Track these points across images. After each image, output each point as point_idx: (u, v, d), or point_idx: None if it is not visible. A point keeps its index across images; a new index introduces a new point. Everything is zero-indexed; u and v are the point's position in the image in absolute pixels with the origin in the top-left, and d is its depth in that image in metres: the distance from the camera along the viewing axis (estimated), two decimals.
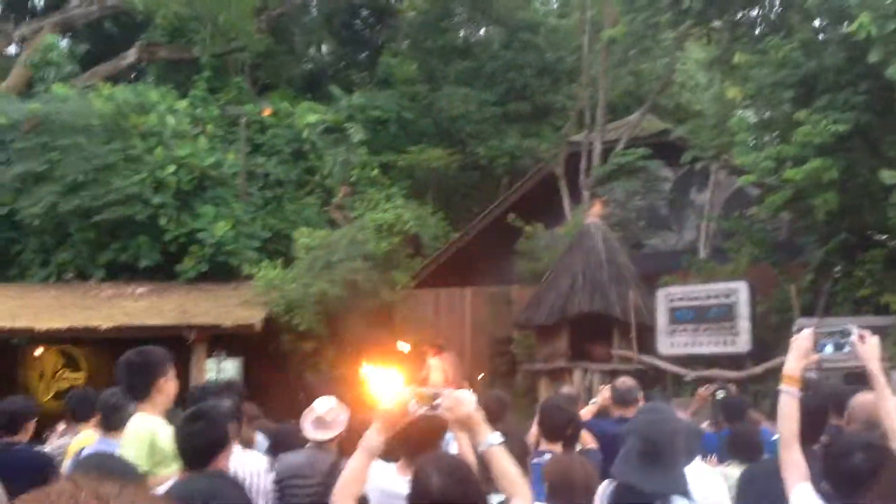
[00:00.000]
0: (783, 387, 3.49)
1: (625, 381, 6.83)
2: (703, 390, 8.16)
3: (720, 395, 7.34)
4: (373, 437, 3.32)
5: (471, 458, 4.68)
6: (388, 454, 4.64)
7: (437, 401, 3.30)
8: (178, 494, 3.20)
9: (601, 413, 6.97)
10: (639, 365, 14.32)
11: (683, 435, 4.14)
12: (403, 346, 14.72)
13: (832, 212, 11.91)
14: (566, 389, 7.66)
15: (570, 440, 5.70)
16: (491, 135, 22.04)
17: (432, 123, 22.57)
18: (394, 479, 4.38)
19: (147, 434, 4.44)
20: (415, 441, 4.46)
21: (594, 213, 15.92)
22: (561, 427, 5.60)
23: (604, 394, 7.02)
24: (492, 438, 3.19)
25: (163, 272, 18.27)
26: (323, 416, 5.50)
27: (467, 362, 16.84)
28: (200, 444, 3.81)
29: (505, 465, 3.16)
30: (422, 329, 17.50)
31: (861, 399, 4.46)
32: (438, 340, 15.23)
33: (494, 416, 6.56)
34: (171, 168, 18.14)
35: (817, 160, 10.86)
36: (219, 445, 3.84)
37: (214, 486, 3.16)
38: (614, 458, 4.25)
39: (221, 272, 18.08)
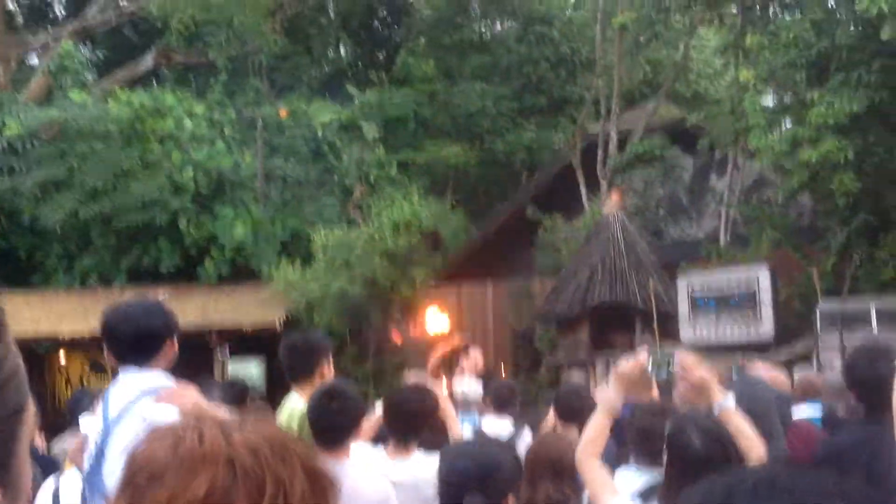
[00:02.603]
0: None
1: None
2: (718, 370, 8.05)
3: (734, 374, 7.22)
4: (611, 399, 3.40)
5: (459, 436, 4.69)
6: (378, 439, 4.65)
7: (673, 364, 3.38)
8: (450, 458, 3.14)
9: None
10: None
11: (778, 403, 4.08)
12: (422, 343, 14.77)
13: (852, 194, 11.76)
14: (576, 375, 7.61)
15: (585, 423, 5.70)
16: (508, 129, 21.98)
17: (450, 120, 22.52)
18: (386, 464, 4.37)
19: (299, 415, 4.36)
20: (407, 422, 4.46)
21: (612, 203, 15.82)
22: (576, 410, 5.60)
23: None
24: (726, 401, 3.24)
25: (184, 276, 18.36)
26: None
27: (490, 356, 16.82)
28: (338, 422, 3.78)
29: (740, 425, 3.20)
30: (444, 325, 17.51)
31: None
32: (462, 341, 15.25)
33: (505, 403, 6.58)
34: (190, 172, 18.22)
35: (832, 141, 10.71)
36: (356, 424, 3.83)
37: (488, 450, 3.08)
38: (623, 441, 4.22)
39: (242, 274, 18.16)
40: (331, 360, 4.76)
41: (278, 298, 16.56)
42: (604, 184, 17.04)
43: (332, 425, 3.79)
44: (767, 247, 14.28)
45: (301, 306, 16.17)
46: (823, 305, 12.54)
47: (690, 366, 3.31)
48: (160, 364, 3.19)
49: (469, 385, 7.06)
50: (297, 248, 18.25)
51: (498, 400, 6.44)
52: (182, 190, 18.21)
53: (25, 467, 0.93)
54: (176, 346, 3.25)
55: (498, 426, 6.31)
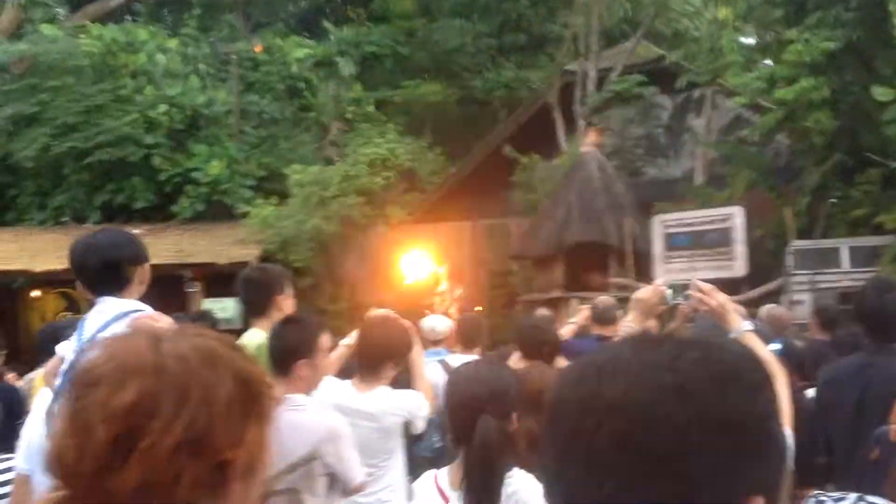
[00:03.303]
0: None
1: (604, 300, 6.79)
2: (684, 306, 8.06)
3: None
4: (631, 326, 3.53)
5: (424, 380, 4.70)
6: (343, 373, 4.64)
7: (689, 291, 3.51)
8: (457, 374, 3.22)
9: (581, 333, 6.93)
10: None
11: None
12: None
13: (828, 133, 11.75)
14: (542, 311, 7.63)
15: (547, 358, 5.71)
16: (487, 67, 21.79)
17: (428, 58, 22.27)
18: (351, 395, 4.38)
19: (255, 349, 4.25)
20: (377, 354, 4.46)
21: (589, 142, 15.77)
22: (538, 345, 5.61)
23: (583, 313, 6.97)
24: (744, 325, 3.32)
25: (159, 213, 18.25)
26: None
27: (467, 295, 16.88)
28: (285, 347, 3.78)
29: (760, 348, 3.26)
30: (421, 264, 17.51)
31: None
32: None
33: (471, 339, 6.59)
34: (163, 108, 18.00)
35: (808, 79, 10.67)
36: (301, 350, 3.79)
37: (496, 374, 3.13)
38: None
39: (217, 212, 18.05)
40: (289, 292, 4.66)
41: (254, 236, 16.49)
42: (581, 123, 16.95)
43: (284, 347, 3.79)
44: (743, 186, 14.28)
45: (276, 244, 16.11)
46: (796, 244, 12.62)
47: (709, 291, 3.41)
48: (134, 291, 3.21)
49: (438, 321, 7.06)
50: (272, 186, 18.13)
51: (464, 336, 6.45)
52: (155, 126, 18.00)
53: None
54: (148, 272, 3.25)
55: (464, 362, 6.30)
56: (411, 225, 18.09)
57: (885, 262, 11.33)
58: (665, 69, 16.35)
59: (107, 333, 2.92)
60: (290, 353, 3.75)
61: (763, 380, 0.89)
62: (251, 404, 1.21)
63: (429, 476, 3.08)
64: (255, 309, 4.58)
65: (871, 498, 1.33)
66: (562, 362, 6.02)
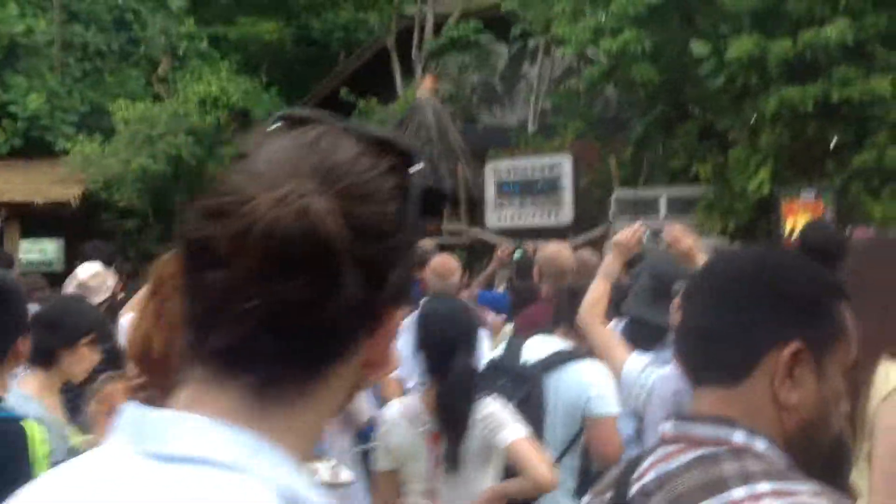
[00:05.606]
0: None
1: (423, 244, 6.80)
2: (500, 252, 8.22)
3: (517, 255, 7.40)
4: (610, 264, 3.73)
5: None
6: None
7: (663, 234, 3.79)
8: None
9: None
10: (468, 238, 14.53)
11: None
12: None
13: (653, 85, 12.11)
14: None
15: None
16: (325, 7, 21.37)
17: None
18: None
19: None
20: None
21: (425, 88, 15.77)
22: None
23: None
24: None
25: None
26: (85, 281, 5.27)
27: None
28: None
29: None
30: None
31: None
32: None
33: None
34: None
35: (631, 31, 10.96)
36: None
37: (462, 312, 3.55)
38: None
39: (36, 148, 17.09)
40: None
41: (76, 175, 15.74)
42: (419, 68, 16.91)
43: None
44: (572, 136, 14.62)
45: (99, 183, 15.44)
46: (619, 193, 13.06)
47: (679, 235, 3.66)
48: None
49: None
50: (97, 123, 17.30)
51: None
52: None
53: None
54: None
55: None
56: None
57: (699, 211, 11.87)
58: (502, 17, 16.44)
59: None
60: None
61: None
62: None
63: (397, 404, 3.45)
64: None
65: None
66: None
